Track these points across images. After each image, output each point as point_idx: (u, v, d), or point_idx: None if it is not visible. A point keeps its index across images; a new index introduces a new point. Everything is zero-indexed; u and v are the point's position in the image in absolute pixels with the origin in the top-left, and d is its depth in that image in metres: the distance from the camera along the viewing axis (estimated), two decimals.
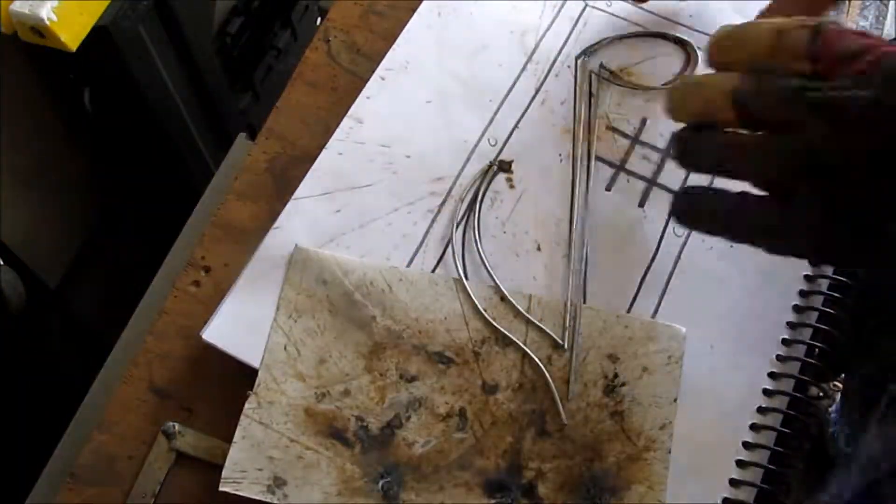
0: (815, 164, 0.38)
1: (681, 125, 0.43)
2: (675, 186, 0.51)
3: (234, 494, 0.42)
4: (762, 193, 0.41)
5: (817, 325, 0.47)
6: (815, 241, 0.39)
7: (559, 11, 0.57)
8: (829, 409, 0.89)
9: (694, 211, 0.43)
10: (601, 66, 0.55)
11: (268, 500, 0.41)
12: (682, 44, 0.56)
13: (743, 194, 0.41)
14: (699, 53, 0.55)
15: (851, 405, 0.47)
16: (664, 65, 0.55)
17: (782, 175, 0.39)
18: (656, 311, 0.47)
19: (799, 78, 0.39)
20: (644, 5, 0.57)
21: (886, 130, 0.36)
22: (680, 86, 0.43)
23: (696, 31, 0.56)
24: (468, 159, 0.51)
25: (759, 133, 0.40)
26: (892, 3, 0.64)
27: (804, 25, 0.40)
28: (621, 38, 0.56)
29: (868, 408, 0.46)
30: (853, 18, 0.62)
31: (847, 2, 0.62)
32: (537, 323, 0.46)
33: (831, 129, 0.37)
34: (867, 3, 0.63)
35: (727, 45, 0.43)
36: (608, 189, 0.51)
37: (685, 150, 0.43)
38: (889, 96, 0.36)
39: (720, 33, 0.43)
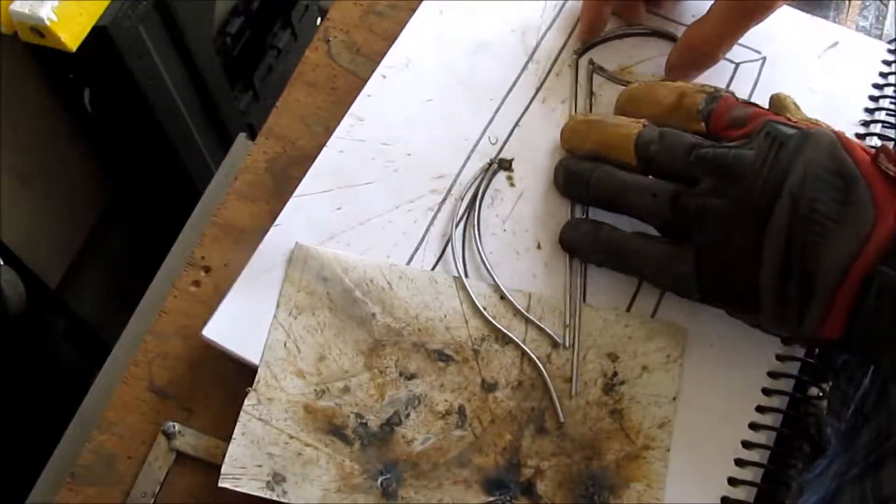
0: (701, 213, 0.42)
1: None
2: None
3: (234, 491, 0.42)
4: (652, 233, 0.45)
5: None
6: (701, 282, 0.43)
7: (560, 10, 0.57)
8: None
9: (581, 245, 0.48)
10: (591, 62, 0.55)
11: (267, 496, 0.41)
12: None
13: (632, 234, 0.46)
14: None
15: (835, 398, 0.48)
16: (662, 63, 0.55)
17: (671, 219, 0.43)
18: (656, 309, 0.47)
19: (694, 135, 0.44)
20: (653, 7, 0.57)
21: (761, 184, 0.40)
22: (583, 121, 0.49)
23: None
24: (469, 157, 0.51)
25: (651, 177, 0.45)
26: (892, 3, 0.64)
27: (703, 91, 0.45)
28: (622, 36, 0.56)
29: (847, 401, 0.46)
30: (853, 19, 0.63)
31: (847, 2, 0.63)
32: (537, 321, 0.46)
33: (718, 183, 0.41)
34: (867, 4, 0.63)
35: (638, 99, 0.48)
36: None
37: (575, 179, 0.48)
38: (766, 153, 0.40)
39: (633, 88, 0.49)
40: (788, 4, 0.58)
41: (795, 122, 0.42)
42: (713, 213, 0.41)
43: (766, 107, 0.45)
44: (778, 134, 0.41)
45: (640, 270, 0.46)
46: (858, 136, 0.53)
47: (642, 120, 0.46)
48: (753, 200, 0.40)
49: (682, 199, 0.43)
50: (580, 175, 0.48)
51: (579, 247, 0.48)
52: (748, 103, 0.44)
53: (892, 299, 0.37)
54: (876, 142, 0.52)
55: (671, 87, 0.47)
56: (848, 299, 0.38)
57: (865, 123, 0.54)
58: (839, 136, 0.41)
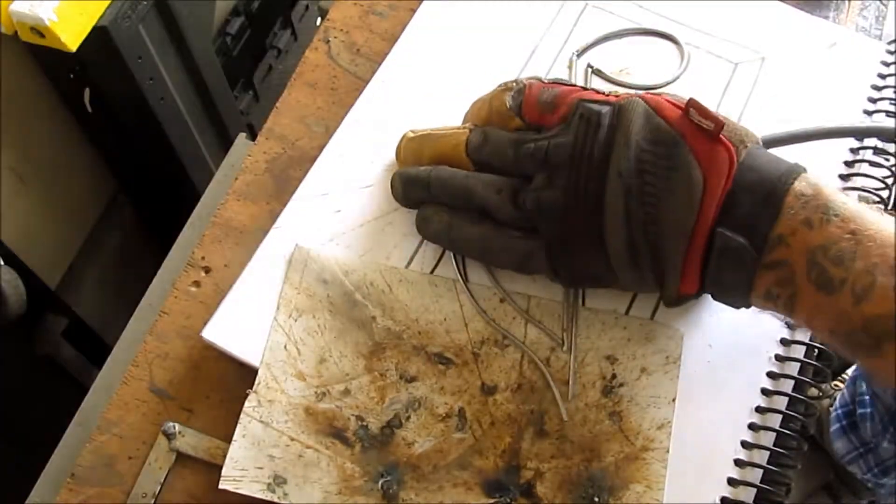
0: (538, 208, 0.42)
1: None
2: None
3: (235, 493, 0.42)
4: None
5: None
6: (558, 273, 0.44)
7: (559, 11, 0.57)
8: (831, 409, 0.89)
9: (437, 241, 0.47)
10: (589, 65, 0.54)
11: (268, 498, 0.42)
12: (679, 43, 0.56)
13: (484, 229, 0.45)
14: (692, 52, 0.55)
15: None
16: (661, 64, 0.55)
17: (517, 215, 0.43)
18: (654, 311, 0.47)
19: (516, 132, 0.44)
20: (644, 4, 0.57)
21: (587, 169, 0.40)
22: (414, 137, 0.48)
23: (695, 30, 0.56)
24: None
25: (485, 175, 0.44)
26: (892, 3, 0.64)
27: (508, 89, 0.45)
28: (619, 36, 0.56)
29: None
30: (853, 19, 0.63)
31: (847, 2, 0.63)
32: (536, 324, 0.46)
33: (547, 176, 0.42)
34: (867, 4, 0.63)
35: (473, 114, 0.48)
36: None
37: (412, 181, 0.47)
38: (584, 136, 0.40)
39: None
40: (788, 4, 0.58)
41: (606, 97, 0.42)
42: (549, 206, 0.41)
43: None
44: (591, 113, 0.41)
45: (504, 266, 0.46)
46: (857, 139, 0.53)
47: (468, 125, 0.46)
48: (582, 186, 0.40)
49: (520, 196, 0.43)
50: (417, 178, 0.46)
51: (436, 242, 0.48)
52: (553, 83, 0.44)
53: (732, 259, 0.39)
54: (876, 142, 0.52)
55: (483, 96, 0.47)
56: (698, 258, 0.40)
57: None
58: (648, 101, 0.41)
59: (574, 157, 0.40)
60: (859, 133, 0.52)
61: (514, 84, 0.45)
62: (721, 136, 0.39)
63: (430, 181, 0.46)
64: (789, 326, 0.47)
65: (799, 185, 0.39)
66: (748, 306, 0.42)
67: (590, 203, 0.40)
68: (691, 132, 0.39)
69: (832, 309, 0.37)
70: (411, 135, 0.48)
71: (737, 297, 0.41)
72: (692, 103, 0.39)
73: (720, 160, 0.39)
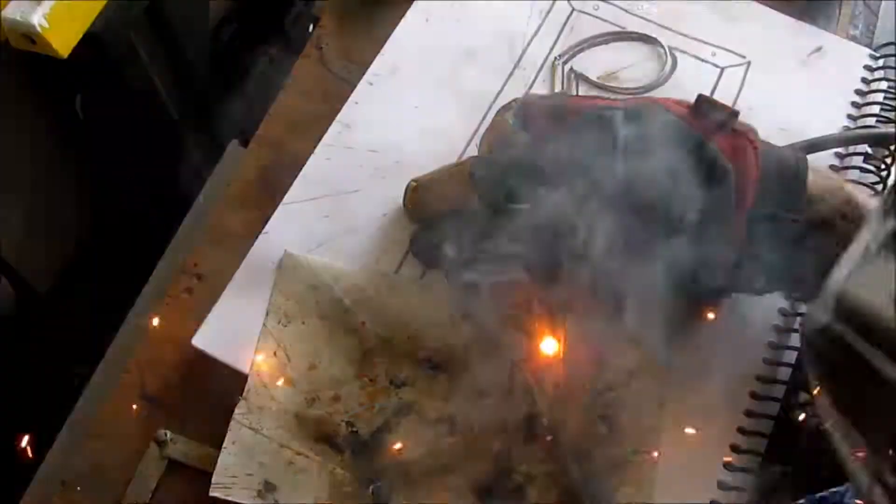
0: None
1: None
2: None
3: (225, 500, 0.42)
4: None
5: None
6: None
7: (546, 16, 0.57)
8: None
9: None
10: (572, 69, 0.55)
11: None
12: (664, 48, 0.56)
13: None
14: (678, 56, 0.56)
15: None
16: (647, 68, 0.55)
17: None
18: None
19: (521, 150, 0.42)
20: (630, 8, 0.57)
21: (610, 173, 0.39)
22: (417, 187, 0.47)
23: (680, 34, 0.57)
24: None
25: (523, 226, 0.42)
26: (881, 12, 0.64)
27: (506, 108, 0.44)
28: (605, 41, 0.56)
29: None
30: (843, 28, 0.63)
31: (838, 11, 0.63)
32: (524, 328, 0.46)
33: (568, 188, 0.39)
34: (857, 13, 0.64)
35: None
36: None
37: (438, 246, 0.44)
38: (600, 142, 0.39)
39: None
40: (774, 9, 0.59)
41: (612, 102, 0.42)
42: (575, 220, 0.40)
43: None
44: (603, 119, 0.39)
45: None
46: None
47: (468, 158, 0.46)
48: (609, 191, 0.39)
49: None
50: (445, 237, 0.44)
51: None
52: (548, 96, 0.44)
53: (778, 237, 0.39)
54: (864, 148, 0.53)
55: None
56: (736, 244, 0.40)
57: (849, 129, 0.54)
58: (655, 102, 0.41)
59: (594, 164, 0.39)
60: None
61: (512, 103, 0.44)
62: (734, 126, 0.40)
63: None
64: (784, 313, 0.47)
65: (820, 175, 0.40)
66: (772, 291, 0.42)
67: (618, 206, 0.39)
68: (704, 127, 0.40)
69: None
70: (414, 184, 0.48)
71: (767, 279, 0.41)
72: (703, 99, 0.40)
73: (742, 147, 0.39)
